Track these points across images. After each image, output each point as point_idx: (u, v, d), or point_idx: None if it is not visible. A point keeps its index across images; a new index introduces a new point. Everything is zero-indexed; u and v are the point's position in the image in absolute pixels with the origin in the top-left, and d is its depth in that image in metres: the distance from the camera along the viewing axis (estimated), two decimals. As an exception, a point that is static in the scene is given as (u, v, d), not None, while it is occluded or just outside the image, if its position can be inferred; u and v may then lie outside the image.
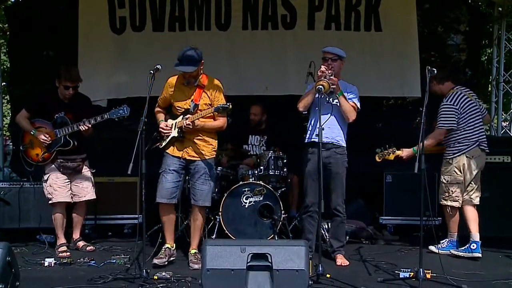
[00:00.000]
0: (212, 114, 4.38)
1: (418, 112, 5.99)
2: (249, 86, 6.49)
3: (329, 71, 4.36)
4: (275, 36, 6.56)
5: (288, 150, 5.74)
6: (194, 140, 4.45)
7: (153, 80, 4.10)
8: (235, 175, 5.75)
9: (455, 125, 4.84)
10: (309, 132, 4.57)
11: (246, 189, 5.18)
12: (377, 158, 4.81)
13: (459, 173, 4.85)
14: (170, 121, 4.50)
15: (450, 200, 4.88)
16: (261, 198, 5.17)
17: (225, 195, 5.21)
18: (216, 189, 5.60)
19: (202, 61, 4.34)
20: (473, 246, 4.72)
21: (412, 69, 6.52)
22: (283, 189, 5.50)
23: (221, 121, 4.49)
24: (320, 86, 4.17)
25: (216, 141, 4.58)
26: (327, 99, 4.43)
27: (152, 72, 4.11)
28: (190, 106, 4.42)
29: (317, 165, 4.13)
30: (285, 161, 5.49)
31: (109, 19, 6.46)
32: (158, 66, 4.15)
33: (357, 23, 6.55)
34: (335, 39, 6.36)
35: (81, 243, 5.03)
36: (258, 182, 5.28)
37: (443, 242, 4.91)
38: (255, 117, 6.14)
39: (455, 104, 4.85)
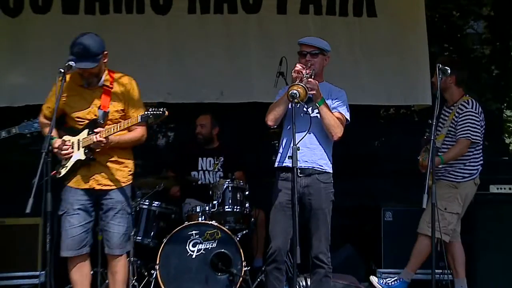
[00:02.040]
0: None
1: (427, 126, 6.12)
2: (198, 90, 6.62)
3: (307, 71, 4.44)
4: (233, 23, 6.66)
5: (252, 177, 5.78)
6: (106, 163, 4.46)
7: (64, 82, 4.13)
8: (179, 213, 5.87)
9: (480, 139, 5.20)
10: (280, 153, 4.63)
11: (194, 232, 5.23)
12: (421, 161, 5.07)
13: (460, 202, 5.20)
14: (67, 138, 4.43)
15: (444, 233, 5.06)
16: (214, 245, 5.21)
17: (165, 240, 5.22)
18: (152, 233, 5.55)
19: (106, 51, 4.33)
20: None
21: (418, 68, 6.69)
22: (244, 232, 5.60)
23: (139, 131, 4.50)
24: (294, 92, 4.20)
25: (133, 161, 4.61)
26: (305, 109, 4.53)
27: (62, 71, 4.12)
28: (97, 115, 4.40)
29: (291, 197, 4.19)
30: (247, 192, 5.62)
31: (-3, -5, 6.35)
32: (71, 63, 4.16)
33: (343, 6, 6.70)
34: (314, 27, 6.52)
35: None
36: (210, 222, 5.33)
37: None
38: (202, 129, 6.33)
39: (480, 116, 5.26)
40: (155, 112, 4.20)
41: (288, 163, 4.47)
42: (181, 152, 6.28)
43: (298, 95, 4.20)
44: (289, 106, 4.42)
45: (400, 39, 6.74)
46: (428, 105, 6.57)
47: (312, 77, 4.46)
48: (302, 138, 4.28)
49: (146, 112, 4.25)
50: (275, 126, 4.66)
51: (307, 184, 4.52)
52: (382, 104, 7.08)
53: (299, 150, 4.18)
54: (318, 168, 4.56)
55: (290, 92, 4.22)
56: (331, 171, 4.62)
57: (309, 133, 4.44)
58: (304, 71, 4.42)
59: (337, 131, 4.53)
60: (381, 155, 6.95)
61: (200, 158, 6.31)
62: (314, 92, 4.41)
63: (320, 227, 4.54)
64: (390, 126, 7.42)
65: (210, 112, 6.47)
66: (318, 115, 4.53)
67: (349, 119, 4.65)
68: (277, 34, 6.51)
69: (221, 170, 6.28)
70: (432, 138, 4.26)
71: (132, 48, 6.46)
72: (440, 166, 5.11)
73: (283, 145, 4.62)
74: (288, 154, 4.39)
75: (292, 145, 4.17)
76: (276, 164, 4.66)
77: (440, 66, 4.37)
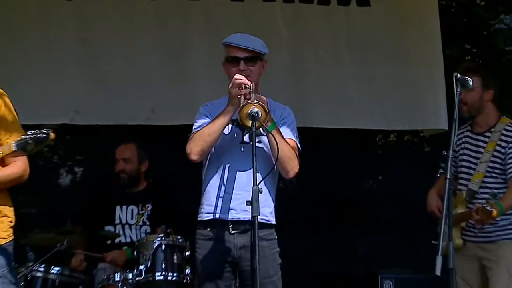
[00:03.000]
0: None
1: (441, 158, 6.15)
2: (120, 107, 6.69)
3: (249, 83, 4.45)
4: (170, 11, 6.72)
5: (194, 232, 5.58)
6: None
7: None
8: (89, 283, 5.83)
9: None
10: (206, 201, 4.61)
11: (112, 310, 5.16)
12: (493, 212, 4.90)
13: None
14: None
15: None
16: (142, 330, 5.18)
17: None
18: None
19: None
20: None
21: (428, 78, 6.81)
22: (185, 310, 5.50)
23: (20, 166, 4.43)
24: (256, 111, 4.21)
25: (12, 209, 4.50)
26: (247, 138, 4.57)
27: None
28: None
29: (251, 260, 4.19)
30: (187, 253, 5.55)
31: None
32: None
33: (325, -9, 6.81)
34: (282, 18, 6.65)
35: None
36: (134, 296, 5.30)
37: None
38: (126, 165, 6.31)
39: None
40: (35, 136, 4.16)
41: (222, 214, 4.49)
42: (92, 197, 6.26)
43: (259, 116, 4.22)
44: (225, 133, 4.53)
45: (402, 37, 6.85)
46: (442, 130, 6.67)
47: (253, 89, 4.46)
48: (262, 179, 4.22)
49: (23, 137, 4.19)
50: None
51: (244, 244, 4.46)
52: (378, 128, 7.17)
53: (261, 192, 4.11)
54: (262, 219, 4.40)
55: (250, 111, 4.21)
56: (275, 222, 4.62)
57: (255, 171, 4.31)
58: (247, 83, 4.42)
59: (294, 165, 4.54)
60: (378, 200, 6.96)
61: (118, 207, 6.30)
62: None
63: None
64: (390, 159, 7.48)
65: (134, 140, 6.45)
66: (263, 144, 4.55)
67: (300, 147, 4.69)
68: (231, 27, 6.38)
69: (147, 223, 6.27)
70: (448, 176, 4.20)
71: (23, 45, 6.47)
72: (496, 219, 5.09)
73: (208, 190, 4.61)
74: (221, 204, 4.44)
75: (253, 184, 4.09)
76: (203, 217, 4.62)
77: (459, 76, 4.30)
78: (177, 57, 6.74)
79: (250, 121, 4.21)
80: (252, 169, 4.16)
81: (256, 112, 4.20)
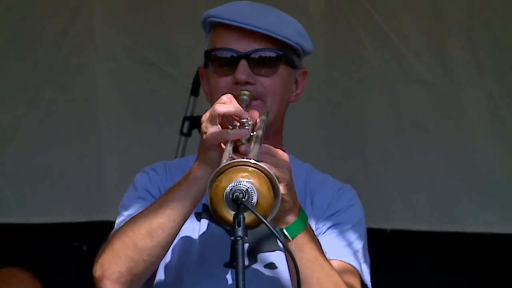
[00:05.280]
0: None
1: None
2: None
3: (248, 118, 3.40)
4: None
5: None
6: None
7: None
8: None
9: None
10: None
11: None
12: None
13: None
14: None
15: None
16: None
17: None
18: None
19: None
20: None
21: None
22: None
23: None
24: (245, 185, 3.07)
25: None
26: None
27: None
28: None
29: None
30: None
31: None
32: None
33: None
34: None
35: None
36: None
37: None
38: None
39: None
40: None
41: None
42: None
43: (253, 198, 2.96)
44: (191, 236, 3.60)
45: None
46: None
47: (259, 132, 3.42)
48: None
49: None
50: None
51: None
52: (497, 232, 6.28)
53: None
54: None
55: (233, 185, 2.98)
56: None
57: None
58: (248, 118, 3.35)
59: None
60: None
61: None
62: (283, 191, 3.22)
63: None
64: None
65: (26, 265, 5.49)
66: (280, 271, 3.61)
67: (369, 284, 3.66)
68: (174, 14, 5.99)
69: None
70: None
71: None
72: None
73: None
74: None
75: None
76: None
77: None
78: (52, 71, 5.97)
79: (232, 212, 2.96)
80: None
81: (246, 189, 3.01)
